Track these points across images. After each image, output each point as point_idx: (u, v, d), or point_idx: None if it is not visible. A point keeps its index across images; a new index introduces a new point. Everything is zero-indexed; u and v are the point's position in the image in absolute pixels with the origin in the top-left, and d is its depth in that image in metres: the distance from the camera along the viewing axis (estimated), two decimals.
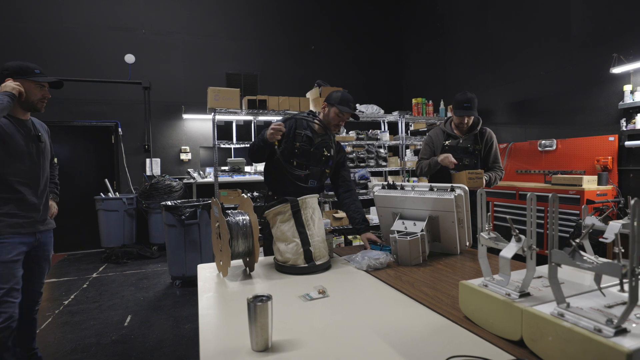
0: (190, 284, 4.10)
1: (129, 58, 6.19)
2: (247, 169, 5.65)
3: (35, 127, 2.11)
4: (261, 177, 5.61)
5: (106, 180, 5.90)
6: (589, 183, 3.76)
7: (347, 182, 2.32)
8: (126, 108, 6.27)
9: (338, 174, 2.33)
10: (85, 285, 4.17)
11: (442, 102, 5.94)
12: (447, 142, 2.86)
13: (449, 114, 5.42)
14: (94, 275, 4.62)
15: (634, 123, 3.73)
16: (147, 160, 6.37)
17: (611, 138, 3.96)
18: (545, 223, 3.88)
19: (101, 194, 5.77)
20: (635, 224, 0.67)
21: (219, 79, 6.66)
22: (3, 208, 1.95)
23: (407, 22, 7.72)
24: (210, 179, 6.18)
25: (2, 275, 1.91)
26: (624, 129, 3.83)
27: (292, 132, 2.21)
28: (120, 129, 6.22)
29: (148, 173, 6.33)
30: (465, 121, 2.76)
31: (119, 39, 6.18)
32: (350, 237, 5.13)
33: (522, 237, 0.95)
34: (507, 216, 1.10)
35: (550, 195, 0.85)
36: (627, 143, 3.80)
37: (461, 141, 2.81)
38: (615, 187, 3.86)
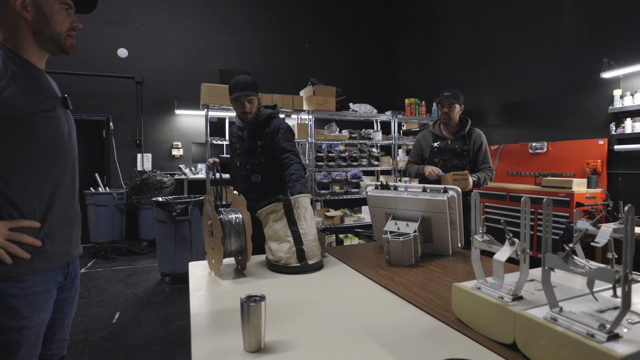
0: (180, 280, 4.07)
1: (122, 52, 6.10)
2: None
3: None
4: None
5: (96, 174, 5.82)
6: (579, 186, 3.81)
7: (285, 161, 2.18)
8: (118, 102, 6.19)
9: (277, 155, 2.24)
10: None
11: (434, 103, 5.97)
12: (435, 143, 2.87)
13: None
14: (82, 270, 4.56)
15: (623, 127, 3.79)
16: (138, 155, 6.30)
17: (601, 142, 4.01)
18: (535, 225, 3.92)
19: (91, 188, 5.69)
20: (628, 230, 0.68)
21: (212, 75, 6.60)
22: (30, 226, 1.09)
23: (400, 22, 7.73)
24: (201, 175, 6.14)
25: (29, 348, 1.10)
26: (614, 133, 3.89)
27: (231, 138, 2.45)
28: (111, 124, 6.14)
29: (139, 168, 6.26)
30: (446, 110, 2.77)
31: (112, 32, 6.09)
32: (341, 236, 5.14)
33: (516, 240, 0.95)
34: (502, 219, 1.10)
35: (544, 199, 0.85)
36: (617, 147, 3.86)
37: (449, 142, 2.82)
38: (605, 191, 3.92)
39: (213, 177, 2.27)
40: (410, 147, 6.16)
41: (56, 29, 1.14)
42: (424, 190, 1.79)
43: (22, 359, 1.09)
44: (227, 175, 2.47)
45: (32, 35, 1.12)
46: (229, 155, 2.57)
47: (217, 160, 2.38)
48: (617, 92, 3.83)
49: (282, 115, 4.85)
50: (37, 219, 1.12)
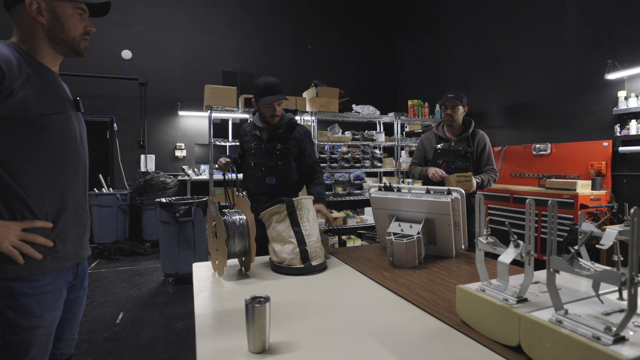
0: (183, 281, 4.08)
1: (126, 54, 6.14)
2: None
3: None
4: None
5: (100, 175, 5.85)
6: (583, 188, 3.79)
7: (310, 171, 2.35)
8: (122, 104, 6.22)
9: (304, 166, 2.33)
10: None
11: (437, 105, 5.96)
12: (439, 145, 2.86)
13: None
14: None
15: (628, 129, 3.77)
16: (142, 156, 6.32)
17: (605, 143, 3.99)
18: (539, 227, 3.91)
19: (95, 189, 5.71)
20: (634, 232, 0.68)
21: (215, 77, 6.61)
22: (42, 227, 1.11)
23: (403, 24, 7.73)
24: (205, 176, 6.16)
25: (40, 347, 1.13)
26: (618, 134, 3.87)
27: (243, 137, 2.40)
28: (115, 125, 6.17)
29: (142, 169, 6.28)
30: (449, 111, 2.76)
31: (116, 34, 6.12)
32: (344, 237, 5.13)
33: (521, 242, 0.95)
34: (506, 221, 1.10)
35: (549, 201, 0.85)
36: (621, 149, 3.84)
37: (453, 144, 2.81)
38: (609, 192, 3.90)
39: (224, 177, 2.21)
40: (413, 148, 6.16)
41: (70, 33, 1.17)
42: (428, 191, 1.79)
43: (34, 358, 1.11)
44: (239, 175, 2.45)
45: (47, 39, 1.15)
46: (236, 156, 2.54)
47: (229, 160, 2.33)
48: (621, 94, 3.82)
49: None
50: (49, 220, 1.13)
